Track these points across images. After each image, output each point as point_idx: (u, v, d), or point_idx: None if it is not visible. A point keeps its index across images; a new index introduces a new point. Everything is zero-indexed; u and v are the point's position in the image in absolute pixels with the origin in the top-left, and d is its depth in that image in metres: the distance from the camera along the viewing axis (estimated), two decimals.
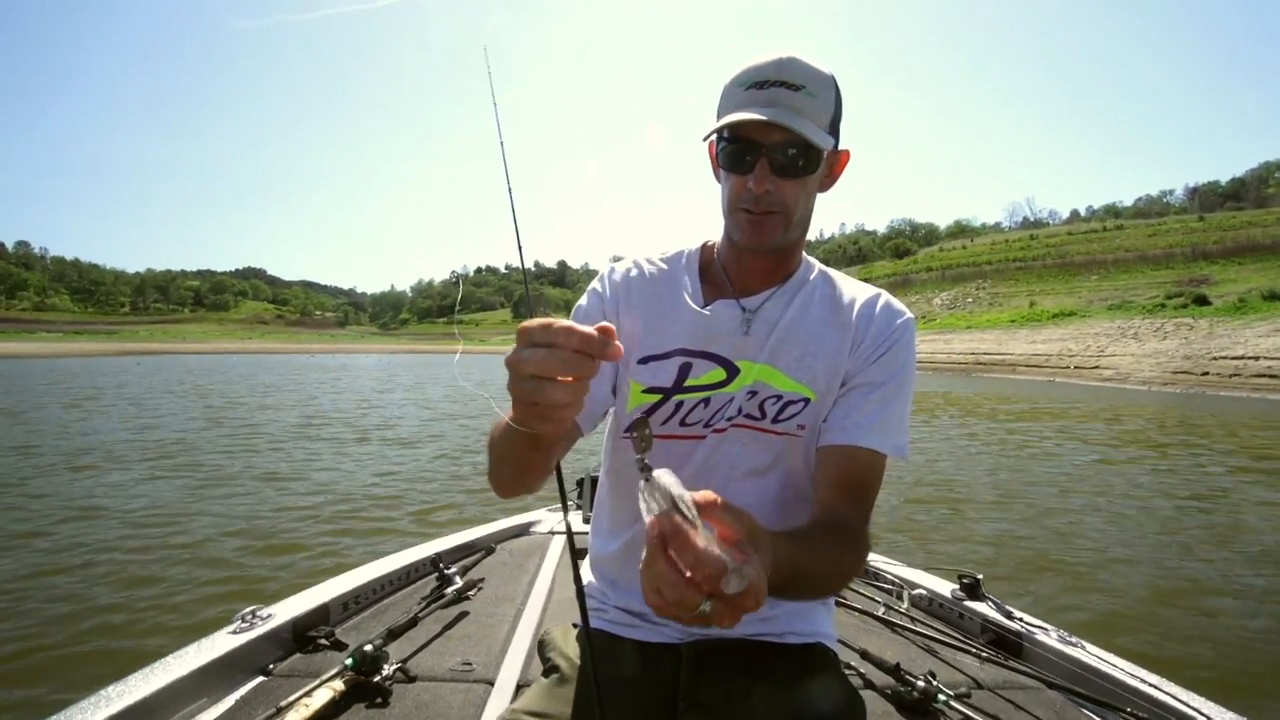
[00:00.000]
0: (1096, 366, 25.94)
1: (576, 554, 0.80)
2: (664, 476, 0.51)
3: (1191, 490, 6.50)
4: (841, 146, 0.88)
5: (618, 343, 0.50)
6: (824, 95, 0.81)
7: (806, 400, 0.89)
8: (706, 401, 0.89)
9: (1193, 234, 56.10)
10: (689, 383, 0.90)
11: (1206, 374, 20.29)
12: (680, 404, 0.90)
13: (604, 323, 0.50)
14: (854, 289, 0.97)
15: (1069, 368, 27.26)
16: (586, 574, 1.08)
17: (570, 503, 2.59)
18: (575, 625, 1.02)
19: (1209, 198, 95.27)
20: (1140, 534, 4.98)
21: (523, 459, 0.72)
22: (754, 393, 0.89)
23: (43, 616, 3.29)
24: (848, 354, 0.90)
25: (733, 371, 0.89)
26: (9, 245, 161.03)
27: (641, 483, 0.56)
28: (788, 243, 0.89)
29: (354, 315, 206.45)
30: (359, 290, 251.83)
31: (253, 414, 12.41)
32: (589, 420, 0.90)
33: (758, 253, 0.90)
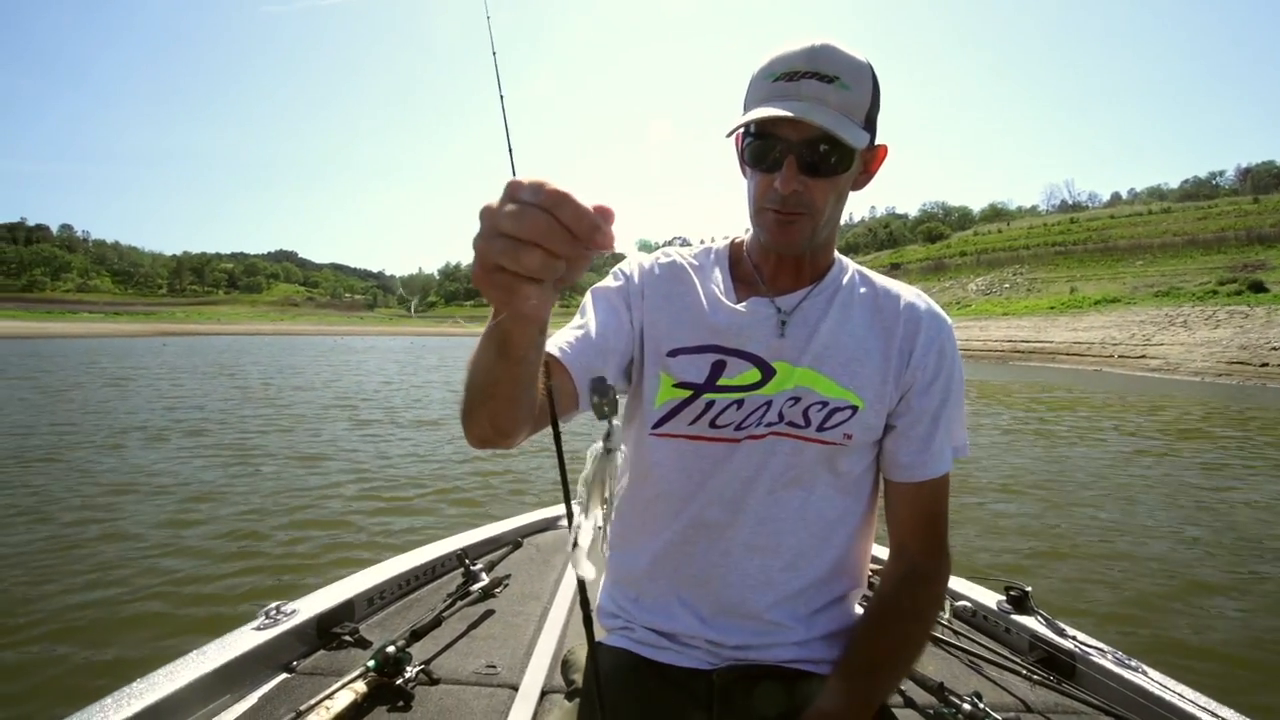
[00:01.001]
0: (1143, 356, 24.83)
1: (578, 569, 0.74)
2: (616, 464, 0.56)
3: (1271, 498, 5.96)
4: (879, 141, 0.82)
5: (612, 230, 0.42)
6: (860, 87, 0.75)
7: (854, 408, 0.85)
8: (740, 403, 0.85)
9: (1246, 217, 53.48)
10: (722, 381, 0.86)
11: (1266, 365, 19.13)
12: (711, 403, 0.85)
13: (603, 204, 0.42)
14: (892, 290, 0.93)
15: (1113, 356, 26.15)
16: (603, 586, 1.01)
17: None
18: (601, 642, 0.95)
19: (1263, 179, 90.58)
20: (1217, 544, 4.50)
21: (490, 374, 0.61)
22: (797, 399, 0.85)
23: (76, 589, 3.32)
24: (895, 361, 0.87)
25: (768, 373, 0.85)
26: (54, 229, 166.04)
27: (600, 446, 0.57)
28: (817, 243, 0.85)
29: (382, 298, 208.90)
30: (387, 273, 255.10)
31: (284, 394, 12.33)
32: (584, 381, 0.81)
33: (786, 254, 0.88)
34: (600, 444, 0.58)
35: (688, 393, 0.86)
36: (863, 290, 0.91)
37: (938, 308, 0.92)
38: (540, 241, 0.41)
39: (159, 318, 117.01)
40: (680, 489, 0.89)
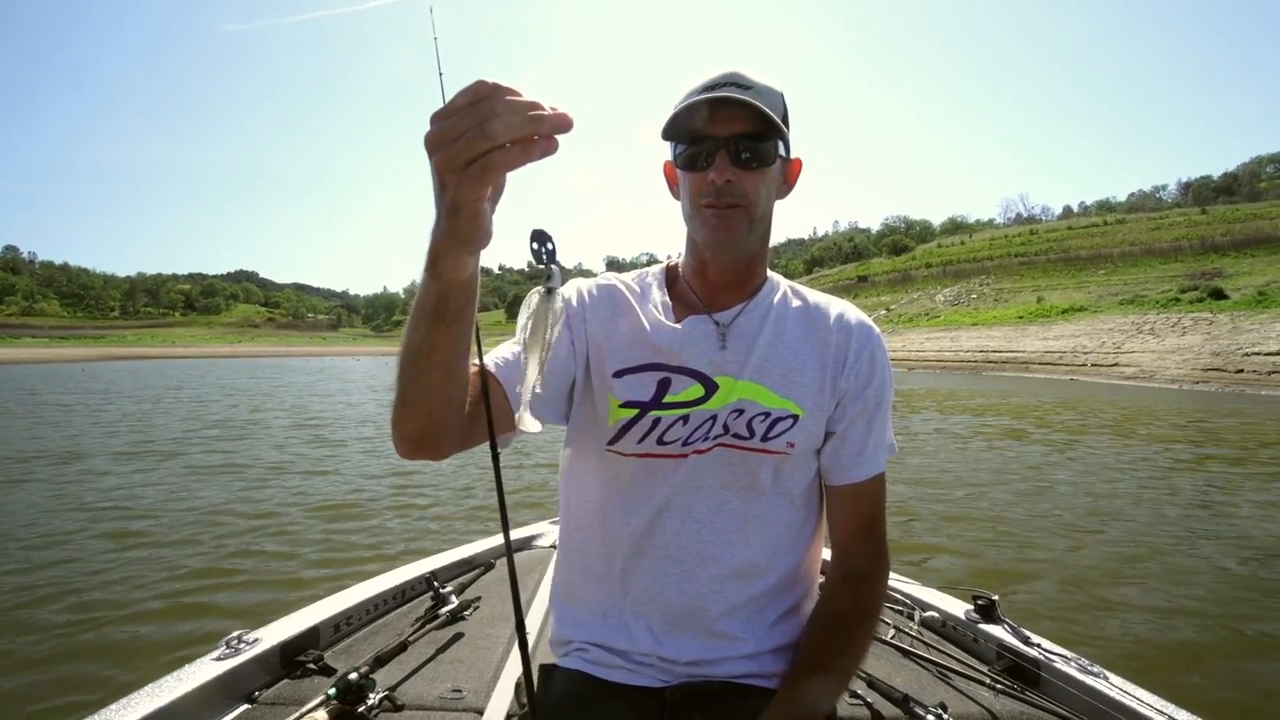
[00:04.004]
0: (1115, 364, 24.82)
1: (517, 585, 0.79)
2: (556, 308, 0.58)
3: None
4: (798, 155, 0.91)
5: (565, 111, 0.49)
6: (772, 98, 0.83)
7: (795, 417, 0.88)
8: (685, 419, 0.88)
9: (1197, 227, 55.14)
10: (667, 399, 0.89)
11: (1241, 371, 19.07)
12: (658, 420, 0.88)
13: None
14: (823, 302, 0.98)
15: (1085, 365, 26.14)
16: (555, 615, 1.05)
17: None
18: (555, 665, 0.98)
19: (1202, 192, 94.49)
20: (1188, 547, 4.42)
21: (427, 342, 0.65)
22: (740, 411, 0.88)
23: (18, 620, 3.23)
24: (830, 369, 0.91)
25: (711, 388, 0.89)
26: None
27: (538, 293, 0.59)
28: (751, 247, 0.90)
29: (346, 318, 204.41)
30: (352, 292, 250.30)
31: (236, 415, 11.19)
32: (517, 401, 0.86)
33: (723, 258, 0.90)
34: (540, 288, 0.60)
35: (634, 411, 0.88)
36: (795, 304, 0.95)
37: (867, 318, 0.96)
38: (499, 113, 0.47)
39: (108, 341, 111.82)
40: (631, 504, 0.91)
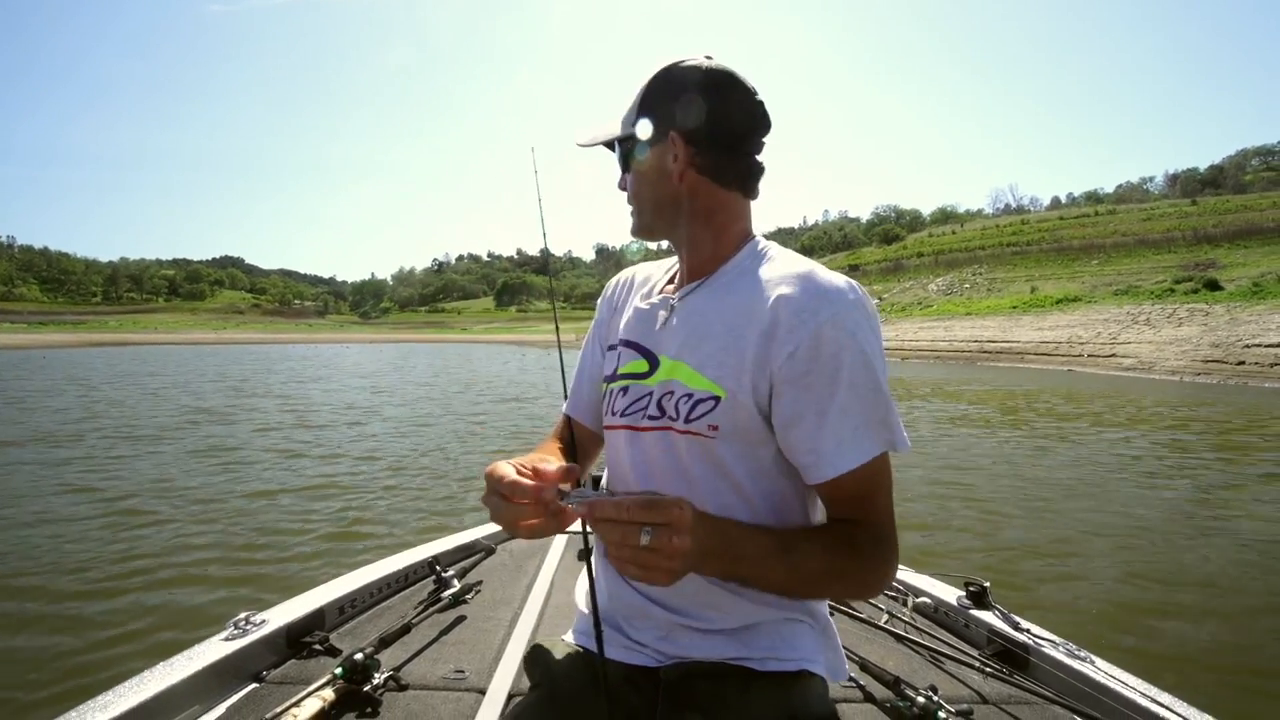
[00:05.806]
0: (1112, 355, 24.63)
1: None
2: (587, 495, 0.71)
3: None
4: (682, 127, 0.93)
5: (560, 500, 0.72)
6: (636, 97, 0.90)
7: (716, 399, 0.81)
8: (625, 390, 0.92)
9: (1188, 218, 55.24)
10: (619, 370, 0.94)
11: (1243, 363, 18.86)
12: (611, 391, 0.95)
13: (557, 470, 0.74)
14: (784, 267, 0.83)
15: (1082, 355, 25.94)
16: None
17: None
18: (562, 639, 1.01)
19: (1189, 184, 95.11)
20: (1181, 541, 4.40)
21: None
22: (670, 392, 0.85)
23: (35, 600, 3.28)
24: (755, 347, 0.79)
25: (653, 364, 0.90)
26: None
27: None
28: (657, 231, 0.94)
29: (334, 304, 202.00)
30: (339, 279, 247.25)
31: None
32: (597, 422, 1.02)
33: (668, 244, 0.97)
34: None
35: (605, 385, 0.97)
36: (751, 273, 0.85)
37: (829, 285, 0.78)
38: (502, 509, 0.75)
39: (89, 327, 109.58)
40: (615, 477, 0.96)
